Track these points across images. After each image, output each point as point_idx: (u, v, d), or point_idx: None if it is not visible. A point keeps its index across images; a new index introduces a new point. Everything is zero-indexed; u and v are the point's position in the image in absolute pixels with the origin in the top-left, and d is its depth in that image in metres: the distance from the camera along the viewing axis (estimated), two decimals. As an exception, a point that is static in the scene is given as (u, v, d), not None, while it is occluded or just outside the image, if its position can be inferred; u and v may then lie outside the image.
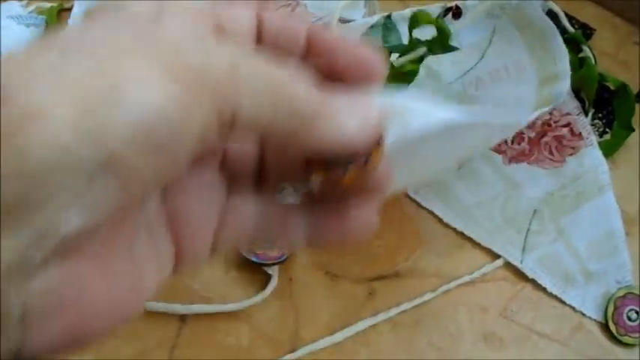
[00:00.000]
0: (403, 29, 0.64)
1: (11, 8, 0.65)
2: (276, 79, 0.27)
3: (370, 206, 0.32)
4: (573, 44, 0.64)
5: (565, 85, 0.58)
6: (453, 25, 0.65)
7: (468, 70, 0.61)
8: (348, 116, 0.28)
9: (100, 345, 0.54)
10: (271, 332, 0.54)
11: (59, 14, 0.68)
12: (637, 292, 0.55)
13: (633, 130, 0.62)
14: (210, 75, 0.25)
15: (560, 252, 0.57)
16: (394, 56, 0.60)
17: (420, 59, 0.58)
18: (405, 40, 0.64)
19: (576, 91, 0.62)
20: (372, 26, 0.63)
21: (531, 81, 0.59)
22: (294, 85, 0.27)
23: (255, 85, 0.26)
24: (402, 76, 0.58)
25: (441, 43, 0.57)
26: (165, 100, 0.23)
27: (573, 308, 0.56)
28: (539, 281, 0.56)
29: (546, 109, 0.57)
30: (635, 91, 0.63)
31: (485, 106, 0.39)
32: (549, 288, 0.57)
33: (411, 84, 0.58)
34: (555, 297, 0.57)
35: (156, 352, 0.54)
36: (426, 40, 0.58)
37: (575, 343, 0.55)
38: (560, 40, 0.59)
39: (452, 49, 0.57)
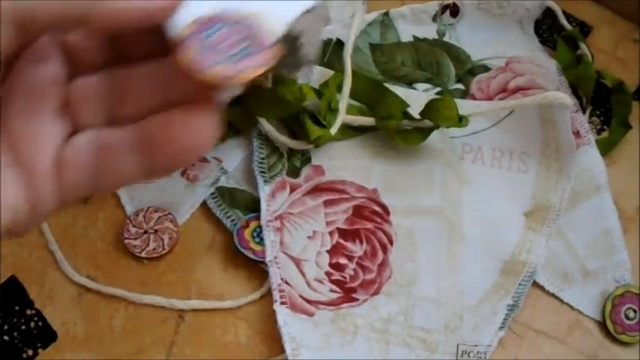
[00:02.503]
0: (401, 26, 0.64)
1: None
2: None
3: (202, 112, 0.33)
4: (571, 42, 0.64)
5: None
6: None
7: (475, 132, 0.61)
8: None
9: (97, 343, 0.54)
10: (269, 329, 0.54)
11: None
12: (635, 290, 0.55)
13: (631, 127, 0.62)
14: None
15: (558, 250, 0.57)
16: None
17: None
18: (403, 38, 0.64)
19: (573, 89, 0.62)
20: (369, 23, 0.63)
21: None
22: None
23: None
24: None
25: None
26: None
27: (571, 306, 0.56)
28: (537, 279, 0.56)
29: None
30: (632, 88, 0.64)
31: None
32: (547, 286, 0.57)
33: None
34: (553, 295, 0.57)
35: (154, 349, 0.54)
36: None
37: (573, 340, 0.55)
38: (574, 156, 0.59)
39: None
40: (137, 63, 0.36)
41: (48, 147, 0.33)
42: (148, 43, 0.35)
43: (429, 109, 0.55)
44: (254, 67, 0.30)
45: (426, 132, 0.56)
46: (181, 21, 0.31)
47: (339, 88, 0.58)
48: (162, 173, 0.35)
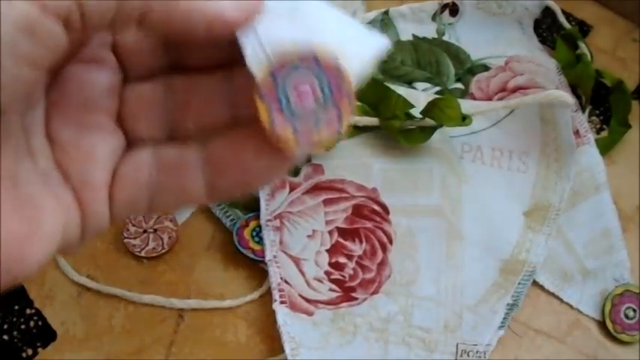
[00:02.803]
0: (401, 25, 0.64)
1: None
2: None
3: (273, 149, 0.31)
4: (570, 41, 0.64)
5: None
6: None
7: (475, 132, 0.61)
8: None
9: (97, 342, 0.54)
10: (269, 329, 0.54)
11: None
12: (635, 289, 0.55)
13: (630, 126, 0.62)
14: None
15: (557, 250, 0.57)
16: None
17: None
18: (403, 37, 0.64)
19: (573, 88, 0.62)
20: (369, 22, 0.63)
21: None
22: None
23: None
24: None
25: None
26: None
27: (571, 306, 0.56)
28: (536, 279, 0.56)
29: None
30: (632, 88, 0.64)
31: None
32: (547, 285, 0.57)
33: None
34: (553, 294, 0.57)
35: (153, 348, 0.53)
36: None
37: (573, 340, 0.55)
38: (573, 156, 0.59)
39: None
40: (198, 73, 0.34)
41: (102, 161, 0.31)
42: (211, 52, 0.33)
43: (431, 109, 0.55)
44: (332, 133, 0.29)
45: (428, 131, 0.56)
46: (254, 43, 0.30)
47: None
48: (225, 196, 0.34)
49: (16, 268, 0.26)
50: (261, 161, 0.31)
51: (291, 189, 0.57)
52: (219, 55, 0.33)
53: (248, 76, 0.30)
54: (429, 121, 0.56)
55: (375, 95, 0.58)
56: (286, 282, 0.54)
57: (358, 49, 0.31)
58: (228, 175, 0.32)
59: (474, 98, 0.61)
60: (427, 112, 0.56)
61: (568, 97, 0.56)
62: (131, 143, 0.33)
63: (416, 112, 0.56)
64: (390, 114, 0.57)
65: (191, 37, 0.29)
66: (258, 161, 0.31)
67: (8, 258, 0.26)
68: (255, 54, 0.30)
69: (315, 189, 0.57)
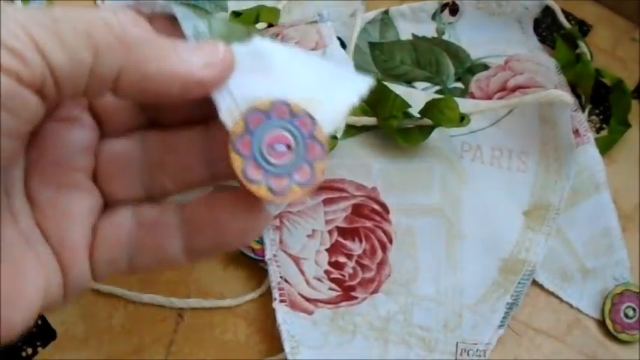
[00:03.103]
0: (400, 25, 0.64)
1: None
2: (96, 18, 0.27)
3: (249, 208, 0.32)
4: (570, 40, 0.64)
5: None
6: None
7: (474, 131, 0.60)
8: (191, 53, 0.29)
9: (97, 341, 0.53)
10: (268, 328, 0.54)
11: None
12: (635, 289, 0.55)
13: (630, 126, 0.62)
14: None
15: (557, 249, 0.57)
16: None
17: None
18: (402, 36, 0.64)
19: (573, 88, 0.62)
20: (369, 22, 0.63)
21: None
22: (115, 21, 0.27)
23: (64, 28, 0.26)
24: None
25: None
26: None
27: (570, 305, 0.56)
28: (536, 278, 0.56)
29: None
30: (632, 87, 0.64)
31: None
32: (546, 285, 0.57)
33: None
34: (552, 294, 0.57)
35: (153, 347, 0.53)
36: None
37: (572, 339, 0.55)
38: (573, 155, 0.59)
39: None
40: (174, 128, 0.34)
41: (80, 221, 0.32)
42: (185, 109, 0.33)
43: (430, 109, 0.55)
44: (305, 186, 0.30)
45: (427, 131, 0.56)
46: (228, 100, 0.31)
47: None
48: (203, 256, 0.34)
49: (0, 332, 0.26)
50: (237, 221, 0.32)
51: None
52: (194, 111, 0.34)
53: (224, 131, 0.30)
54: (427, 121, 0.56)
55: (373, 95, 0.58)
56: (286, 281, 0.54)
57: (333, 95, 0.32)
58: (205, 234, 0.32)
59: (474, 97, 0.61)
60: (425, 112, 0.56)
61: (568, 97, 0.56)
62: (109, 201, 0.33)
63: (415, 111, 0.56)
64: (388, 114, 0.57)
65: (164, 98, 0.29)
66: (234, 221, 0.32)
67: None
68: (229, 110, 0.30)
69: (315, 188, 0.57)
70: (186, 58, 0.29)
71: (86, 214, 0.32)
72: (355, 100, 0.32)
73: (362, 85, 0.33)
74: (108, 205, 0.34)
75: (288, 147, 0.30)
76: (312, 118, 0.31)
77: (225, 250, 0.34)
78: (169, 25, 0.32)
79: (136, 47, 0.28)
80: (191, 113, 0.34)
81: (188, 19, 0.32)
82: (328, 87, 0.33)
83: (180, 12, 0.32)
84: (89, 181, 0.33)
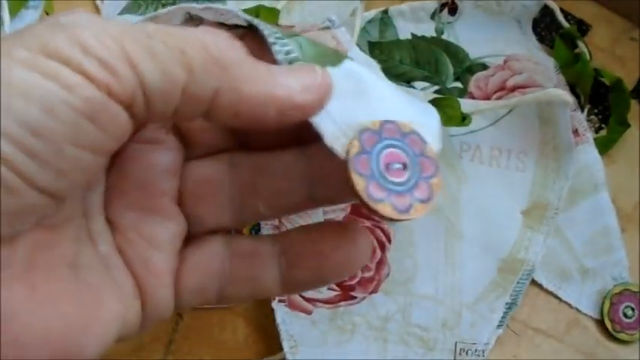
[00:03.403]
0: (400, 24, 0.64)
1: None
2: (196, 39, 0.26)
3: (353, 239, 0.31)
4: (568, 40, 0.64)
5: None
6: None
7: (473, 131, 0.60)
8: (288, 76, 0.28)
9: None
10: (267, 328, 0.54)
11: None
12: (634, 288, 0.55)
13: (629, 125, 0.62)
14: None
15: (556, 249, 0.57)
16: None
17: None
18: (401, 36, 0.64)
19: (572, 87, 0.62)
20: (369, 21, 0.63)
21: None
22: (211, 42, 0.26)
23: (154, 46, 0.25)
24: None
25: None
26: None
27: (569, 304, 0.56)
28: (535, 277, 0.56)
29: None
30: (631, 86, 0.64)
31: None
32: (545, 284, 0.57)
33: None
34: (551, 293, 0.57)
35: (152, 347, 0.53)
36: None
37: (571, 339, 0.55)
38: (572, 155, 0.58)
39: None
40: (265, 151, 0.33)
41: (165, 246, 0.31)
42: (278, 133, 0.31)
43: None
44: (426, 202, 0.30)
45: None
46: (330, 124, 0.30)
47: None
48: (301, 289, 0.33)
49: (72, 359, 0.25)
50: (341, 252, 0.31)
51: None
52: (286, 133, 0.32)
53: (324, 154, 0.29)
54: None
55: None
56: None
57: (427, 122, 0.33)
58: (304, 266, 0.31)
59: (473, 97, 0.61)
60: None
61: (567, 96, 0.56)
62: (196, 226, 0.32)
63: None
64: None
65: (260, 123, 0.28)
66: (337, 252, 0.31)
67: (64, 348, 0.25)
68: (334, 134, 0.29)
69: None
70: (284, 82, 0.27)
71: (171, 239, 0.31)
72: (440, 123, 0.34)
73: (437, 115, 0.34)
74: (194, 230, 0.32)
75: (404, 165, 0.30)
76: (421, 136, 0.31)
77: (323, 284, 0.32)
78: (257, 45, 0.30)
79: (232, 69, 0.26)
80: (283, 136, 0.32)
81: (276, 39, 0.31)
82: (418, 110, 0.34)
83: (267, 30, 0.31)
84: (174, 206, 0.31)
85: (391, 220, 0.29)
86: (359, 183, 0.28)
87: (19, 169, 0.22)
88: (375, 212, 0.29)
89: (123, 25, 0.25)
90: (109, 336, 0.27)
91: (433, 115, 0.34)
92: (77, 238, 0.28)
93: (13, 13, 0.63)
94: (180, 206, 0.32)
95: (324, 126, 0.29)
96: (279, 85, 0.27)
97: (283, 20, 0.62)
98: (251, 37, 0.31)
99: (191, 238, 0.32)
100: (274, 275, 0.32)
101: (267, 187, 0.32)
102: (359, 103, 0.31)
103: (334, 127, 0.29)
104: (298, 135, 0.32)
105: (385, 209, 0.29)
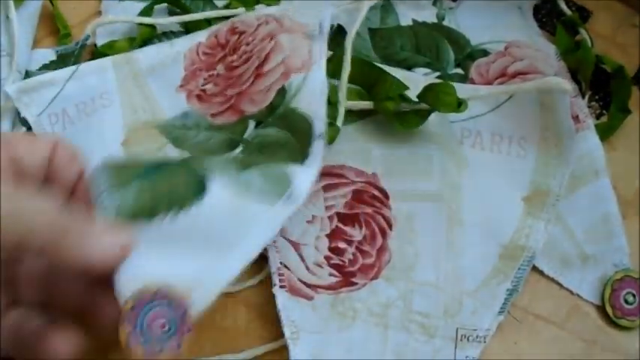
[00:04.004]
0: (401, 10, 0.64)
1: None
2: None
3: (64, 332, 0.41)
4: (570, 26, 0.64)
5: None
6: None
7: (474, 117, 0.60)
8: (96, 237, 0.38)
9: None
10: (269, 314, 0.54)
11: None
12: (635, 275, 0.55)
13: (630, 112, 0.62)
14: None
15: (557, 235, 0.57)
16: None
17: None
18: (403, 22, 0.64)
19: (573, 74, 0.62)
20: (370, 8, 0.63)
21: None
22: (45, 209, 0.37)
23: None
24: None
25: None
26: None
27: (570, 291, 0.56)
28: (536, 264, 0.56)
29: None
30: (632, 73, 0.63)
31: None
32: (546, 271, 0.57)
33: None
34: (552, 280, 0.57)
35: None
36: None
37: (572, 325, 0.55)
38: (573, 141, 0.58)
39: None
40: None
41: None
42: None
43: (427, 93, 0.55)
44: (172, 355, 0.40)
45: (424, 115, 0.56)
46: (122, 277, 0.41)
47: (335, 75, 0.58)
48: None
49: None
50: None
51: (291, 175, 0.56)
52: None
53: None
54: (424, 106, 0.56)
55: (369, 77, 0.58)
56: (286, 267, 0.54)
57: (210, 279, 0.43)
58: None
59: (474, 83, 0.61)
60: (423, 96, 0.56)
61: (566, 84, 0.56)
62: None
63: (414, 96, 0.56)
64: (384, 95, 0.57)
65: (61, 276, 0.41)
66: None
67: None
68: (123, 289, 0.40)
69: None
70: (90, 242, 0.38)
71: None
72: (228, 280, 0.44)
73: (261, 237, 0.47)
74: None
75: (162, 325, 0.40)
76: (184, 302, 0.41)
77: None
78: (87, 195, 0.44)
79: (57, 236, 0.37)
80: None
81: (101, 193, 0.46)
82: (207, 270, 0.44)
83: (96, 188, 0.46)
84: None
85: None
86: (123, 332, 0.39)
87: None
88: (130, 353, 0.39)
89: None
90: None
91: (226, 274, 0.44)
92: None
93: (17, 4, 0.64)
94: None
95: (118, 280, 0.41)
96: (87, 245, 0.37)
97: (283, 3, 0.62)
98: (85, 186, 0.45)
99: None
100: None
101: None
102: (153, 261, 0.42)
103: (125, 282, 0.40)
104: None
105: (137, 352, 0.40)
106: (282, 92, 0.55)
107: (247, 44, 0.58)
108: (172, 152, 0.56)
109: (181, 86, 0.59)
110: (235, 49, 0.59)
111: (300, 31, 0.57)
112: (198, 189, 0.48)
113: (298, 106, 0.54)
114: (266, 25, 0.58)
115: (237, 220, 0.46)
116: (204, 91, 0.58)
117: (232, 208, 0.47)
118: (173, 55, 0.61)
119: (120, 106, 0.59)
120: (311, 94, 0.54)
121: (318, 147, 0.52)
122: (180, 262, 0.44)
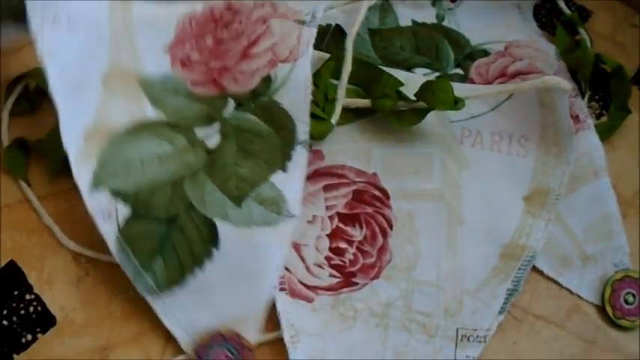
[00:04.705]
0: (400, 11, 0.64)
1: None
2: None
3: None
4: (569, 26, 0.64)
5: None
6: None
7: (474, 116, 0.60)
8: None
9: (96, 328, 0.53)
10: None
11: None
12: (635, 275, 0.55)
13: (630, 112, 0.62)
14: None
15: (557, 235, 0.57)
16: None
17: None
18: (402, 22, 0.64)
19: (573, 73, 0.62)
20: (369, 8, 0.63)
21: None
22: None
23: None
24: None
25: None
26: None
27: (570, 291, 0.56)
28: (536, 264, 0.56)
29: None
30: (632, 73, 0.64)
31: None
32: (546, 271, 0.57)
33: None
34: (552, 279, 0.57)
35: (153, 334, 0.53)
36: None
37: (572, 325, 0.55)
38: (572, 141, 0.58)
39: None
40: None
41: None
42: None
43: (424, 92, 0.55)
44: None
45: (421, 113, 0.56)
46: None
47: (335, 75, 0.58)
48: None
49: None
50: None
51: (291, 175, 0.56)
52: None
53: None
54: (421, 104, 0.56)
55: (366, 76, 0.58)
56: (286, 269, 0.54)
57: (250, 309, 0.52)
58: None
59: (474, 83, 0.61)
60: (420, 94, 0.56)
61: (565, 83, 0.56)
62: None
63: (412, 94, 0.56)
64: (381, 93, 0.57)
65: None
66: None
67: None
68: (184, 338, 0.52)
69: (315, 175, 0.57)
70: None
71: None
72: (266, 303, 0.52)
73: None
74: None
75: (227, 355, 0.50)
76: (240, 338, 0.51)
77: None
78: None
79: None
80: None
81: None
82: (246, 301, 0.52)
83: None
84: None
85: None
86: None
87: None
88: None
89: None
90: None
91: (261, 301, 0.52)
92: None
93: None
94: None
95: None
96: None
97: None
98: None
99: None
100: None
101: None
102: (204, 308, 0.52)
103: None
104: None
105: None
106: (267, 81, 0.54)
107: (240, 23, 0.57)
108: (150, 111, 0.56)
109: (169, 49, 0.58)
110: (227, 25, 0.58)
111: (292, 18, 0.57)
112: (211, 235, 0.51)
113: (282, 101, 0.54)
114: (262, 7, 0.58)
115: (254, 252, 0.51)
116: (188, 57, 0.57)
117: (246, 242, 0.51)
118: (167, 17, 0.59)
119: (108, 39, 0.58)
120: (295, 91, 0.54)
121: (301, 153, 0.53)
122: (222, 302, 0.51)
